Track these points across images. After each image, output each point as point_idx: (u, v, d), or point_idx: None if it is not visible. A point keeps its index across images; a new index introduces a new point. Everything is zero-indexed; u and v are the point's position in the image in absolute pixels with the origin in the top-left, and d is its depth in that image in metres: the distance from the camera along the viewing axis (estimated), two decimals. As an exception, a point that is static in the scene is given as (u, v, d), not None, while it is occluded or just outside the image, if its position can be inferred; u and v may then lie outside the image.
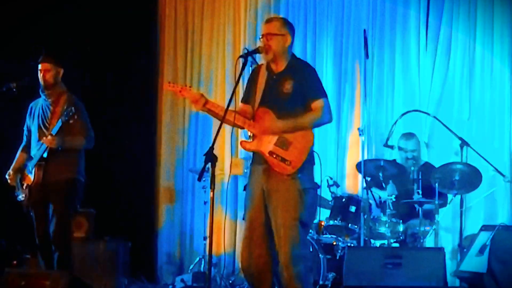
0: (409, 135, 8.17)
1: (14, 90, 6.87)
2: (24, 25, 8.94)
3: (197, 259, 8.73)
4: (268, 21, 5.66)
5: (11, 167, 6.88)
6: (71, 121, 6.49)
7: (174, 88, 5.58)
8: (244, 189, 5.65)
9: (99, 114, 8.31)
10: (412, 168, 7.79)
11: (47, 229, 6.64)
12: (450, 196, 7.74)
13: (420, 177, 7.58)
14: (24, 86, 6.90)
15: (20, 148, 6.96)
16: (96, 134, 6.90)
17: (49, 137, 6.57)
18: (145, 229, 9.47)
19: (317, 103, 5.43)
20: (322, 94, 5.50)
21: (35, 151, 6.72)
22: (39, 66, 6.78)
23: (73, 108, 6.48)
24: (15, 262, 8.03)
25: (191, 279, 8.37)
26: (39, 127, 6.76)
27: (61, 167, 6.64)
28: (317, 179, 7.00)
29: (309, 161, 5.46)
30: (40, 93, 6.82)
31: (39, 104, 6.89)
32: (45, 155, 6.63)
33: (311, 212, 5.64)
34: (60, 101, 6.73)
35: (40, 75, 6.77)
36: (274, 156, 5.38)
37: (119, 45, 9.31)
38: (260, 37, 5.56)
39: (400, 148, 8.11)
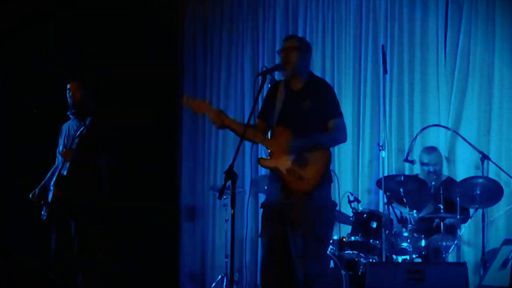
0: (431, 149, 8.15)
1: (33, 108, 6.92)
2: (50, 43, 9.04)
3: (219, 277, 8.73)
4: (289, 37, 5.73)
5: (39, 186, 6.90)
6: (89, 138, 6.51)
7: (192, 103, 5.59)
8: (261, 207, 5.64)
9: (119, 131, 8.34)
10: (433, 183, 7.76)
11: (64, 247, 6.62)
12: (471, 211, 7.70)
13: (441, 191, 7.56)
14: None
15: (52, 169, 6.99)
16: (117, 153, 6.92)
17: (64, 150, 6.58)
18: (167, 248, 9.49)
19: (333, 123, 5.47)
20: (339, 113, 5.54)
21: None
22: (68, 86, 6.80)
23: (84, 123, 6.51)
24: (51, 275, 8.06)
25: (214, 297, 8.39)
26: (64, 147, 6.78)
27: (81, 187, 6.64)
28: (335, 196, 7.05)
29: (326, 179, 5.48)
30: (68, 113, 6.84)
31: (68, 124, 6.93)
32: (64, 172, 6.63)
33: (328, 230, 5.64)
34: (85, 121, 6.74)
35: (69, 94, 6.78)
36: (292, 173, 5.39)
37: (139, 60, 9.36)
38: (280, 51, 5.59)
39: (422, 163, 8.09)
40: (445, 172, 8.30)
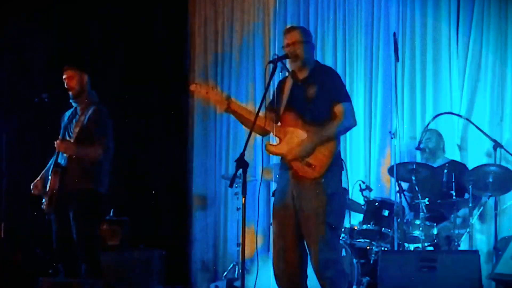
0: (428, 130, 8.10)
1: (46, 100, 6.83)
2: (54, 33, 9.03)
3: (231, 265, 8.75)
4: (290, 30, 5.71)
5: (40, 176, 6.80)
6: (88, 130, 6.44)
7: (200, 90, 5.60)
8: (273, 195, 5.66)
9: (131, 122, 8.34)
10: (446, 170, 7.72)
11: (65, 236, 6.52)
12: (483, 199, 7.69)
13: (453, 179, 7.54)
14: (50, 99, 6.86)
15: (52, 158, 6.89)
16: (129, 142, 6.88)
17: (58, 141, 6.50)
18: (179, 237, 9.51)
19: (340, 107, 5.45)
20: (345, 98, 5.53)
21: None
22: (64, 75, 6.73)
23: (87, 117, 6.45)
24: (50, 271, 8.07)
25: (226, 286, 8.38)
26: (63, 136, 6.73)
27: (80, 177, 6.50)
28: (345, 184, 7.04)
29: (335, 165, 5.47)
30: (71, 101, 6.78)
31: (69, 113, 6.87)
32: (63, 162, 6.56)
33: (339, 216, 5.64)
34: (86, 111, 6.65)
35: (65, 83, 6.72)
36: (299, 160, 5.40)
37: (150, 50, 9.37)
38: (284, 46, 5.57)
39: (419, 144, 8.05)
40: (457, 160, 8.26)
